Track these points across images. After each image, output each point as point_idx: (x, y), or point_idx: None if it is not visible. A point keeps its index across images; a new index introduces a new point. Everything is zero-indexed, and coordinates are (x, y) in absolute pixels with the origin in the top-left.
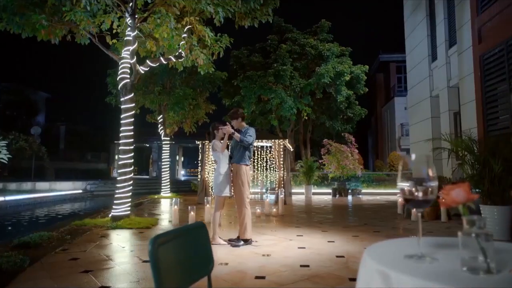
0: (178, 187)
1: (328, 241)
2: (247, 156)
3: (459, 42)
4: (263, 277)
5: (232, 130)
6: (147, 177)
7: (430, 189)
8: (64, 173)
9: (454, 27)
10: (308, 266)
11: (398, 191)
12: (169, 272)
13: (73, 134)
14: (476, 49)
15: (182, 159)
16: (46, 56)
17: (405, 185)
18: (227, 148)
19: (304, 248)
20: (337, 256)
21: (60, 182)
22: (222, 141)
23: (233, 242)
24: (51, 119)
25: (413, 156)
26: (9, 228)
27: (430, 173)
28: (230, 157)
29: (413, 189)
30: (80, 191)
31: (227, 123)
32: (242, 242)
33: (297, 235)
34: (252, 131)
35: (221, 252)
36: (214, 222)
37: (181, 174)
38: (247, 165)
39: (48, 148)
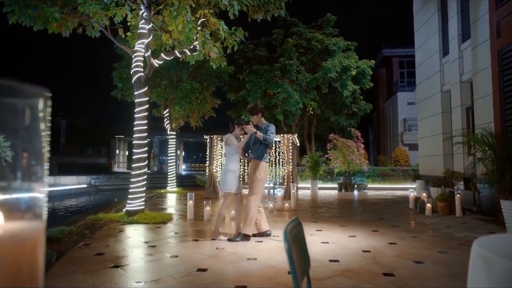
0: (182, 182)
1: (349, 236)
2: (267, 152)
3: (473, 36)
4: None
5: (255, 130)
6: (149, 171)
7: None
8: (65, 167)
9: (468, 21)
10: (337, 261)
11: (404, 186)
12: (296, 263)
13: (73, 129)
14: (494, 44)
15: (183, 153)
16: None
17: None
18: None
19: (327, 243)
20: (363, 251)
21: (65, 177)
22: (242, 138)
23: (232, 238)
24: (50, 114)
25: None
26: None
27: None
28: (247, 153)
29: None
30: (85, 185)
31: (242, 123)
32: (239, 238)
33: (316, 230)
34: (272, 128)
35: (245, 247)
36: (218, 217)
37: (182, 168)
38: (266, 162)
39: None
